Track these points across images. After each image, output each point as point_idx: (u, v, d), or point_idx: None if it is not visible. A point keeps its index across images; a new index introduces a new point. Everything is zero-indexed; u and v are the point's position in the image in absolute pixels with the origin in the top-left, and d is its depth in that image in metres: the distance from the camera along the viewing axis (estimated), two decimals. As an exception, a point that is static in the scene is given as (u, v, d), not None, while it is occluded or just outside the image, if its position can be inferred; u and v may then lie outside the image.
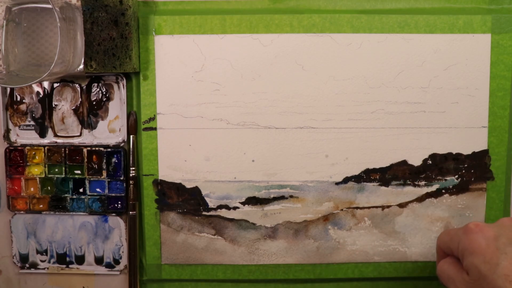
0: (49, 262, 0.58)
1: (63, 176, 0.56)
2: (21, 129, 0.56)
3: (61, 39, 0.46)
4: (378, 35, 0.54)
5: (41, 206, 0.57)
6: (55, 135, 0.56)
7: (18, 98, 0.56)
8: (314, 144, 0.56)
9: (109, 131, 0.56)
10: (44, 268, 0.58)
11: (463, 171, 0.56)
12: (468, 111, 0.55)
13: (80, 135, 0.56)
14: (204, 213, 0.57)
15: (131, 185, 0.56)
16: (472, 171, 0.56)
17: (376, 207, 0.57)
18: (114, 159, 0.56)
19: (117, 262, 0.58)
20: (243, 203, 0.56)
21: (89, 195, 0.57)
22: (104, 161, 0.56)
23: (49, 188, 0.57)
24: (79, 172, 0.56)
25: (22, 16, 0.53)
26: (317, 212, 0.57)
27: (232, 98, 0.55)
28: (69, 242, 0.57)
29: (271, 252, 0.57)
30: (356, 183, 0.56)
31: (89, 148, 0.56)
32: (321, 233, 0.57)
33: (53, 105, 0.56)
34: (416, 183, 0.56)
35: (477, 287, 0.42)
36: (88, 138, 0.56)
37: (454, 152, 0.56)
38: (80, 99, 0.56)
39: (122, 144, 0.56)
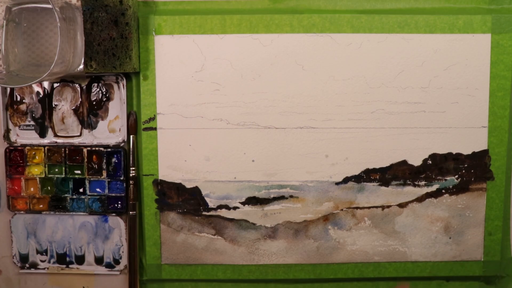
0: (49, 262, 0.58)
1: (63, 176, 0.56)
2: (21, 129, 0.56)
3: (61, 39, 0.46)
4: (378, 35, 0.54)
5: (41, 206, 0.57)
6: (55, 135, 0.56)
7: (18, 98, 0.56)
8: (314, 144, 0.56)
9: (109, 131, 0.56)
10: (44, 268, 0.58)
11: (463, 171, 0.56)
12: (468, 111, 0.55)
13: (80, 135, 0.56)
14: (204, 213, 0.57)
15: (131, 185, 0.56)
16: (472, 171, 0.56)
17: (376, 207, 0.57)
18: (114, 159, 0.56)
19: (117, 262, 0.58)
20: (243, 203, 0.56)
21: (89, 195, 0.57)
22: (104, 161, 0.56)
23: (49, 188, 0.57)
24: (79, 172, 0.56)
25: (22, 16, 0.53)
26: (317, 212, 0.57)
27: (232, 98, 0.55)
28: (69, 242, 0.57)
29: (271, 252, 0.57)
30: (356, 183, 0.56)
31: (89, 148, 0.56)
32: (321, 233, 0.57)
33: (53, 105, 0.56)
34: (416, 183, 0.56)
35: None
36: (88, 138, 0.56)
37: (454, 152, 0.56)
38: (80, 99, 0.56)
39: (122, 144, 0.56)
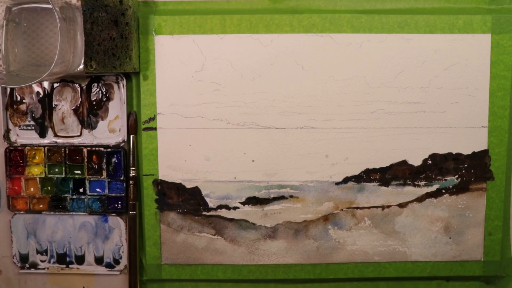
0: (49, 262, 0.58)
1: (63, 176, 0.56)
2: (21, 129, 0.56)
3: (61, 39, 0.46)
4: (378, 35, 0.54)
5: (41, 206, 0.57)
6: (55, 135, 0.56)
7: (18, 98, 0.56)
8: (314, 144, 0.56)
9: (109, 131, 0.56)
10: (44, 268, 0.58)
11: (463, 171, 0.56)
12: (468, 111, 0.55)
13: (80, 135, 0.56)
14: (204, 213, 0.57)
15: (131, 185, 0.56)
16: (472, 171, 0.56)
17: (376, 207, 0.57)
18: (114, 159, 0.56)
19: (117, 262, 0.58)
20: (243, 203, 0.56)
21: (89, 195, 0.57)
22: (104, 161, 0.56)
23: (49, 188, 0.57)
24: (79, 172, 0.56)
25: (22, 16, 0.53)
26: (317, 212, 0.57)
27: (232, 98, 0.55)
28: (69, 242, 0.57)
29: (271, 252, 0.57)
30: (356, 183, 0.56)
31: (89, 148, 0.56)
32: (321, 233, 0.57)
33: (53, 105, 0.56)
34: (416, 183, 0.56)
35: None
36: (88, 138, 0.56)
37: (454, 152, 0.56)
38: (80, 99, 0.56)
39: (122, 144, 0.56)
